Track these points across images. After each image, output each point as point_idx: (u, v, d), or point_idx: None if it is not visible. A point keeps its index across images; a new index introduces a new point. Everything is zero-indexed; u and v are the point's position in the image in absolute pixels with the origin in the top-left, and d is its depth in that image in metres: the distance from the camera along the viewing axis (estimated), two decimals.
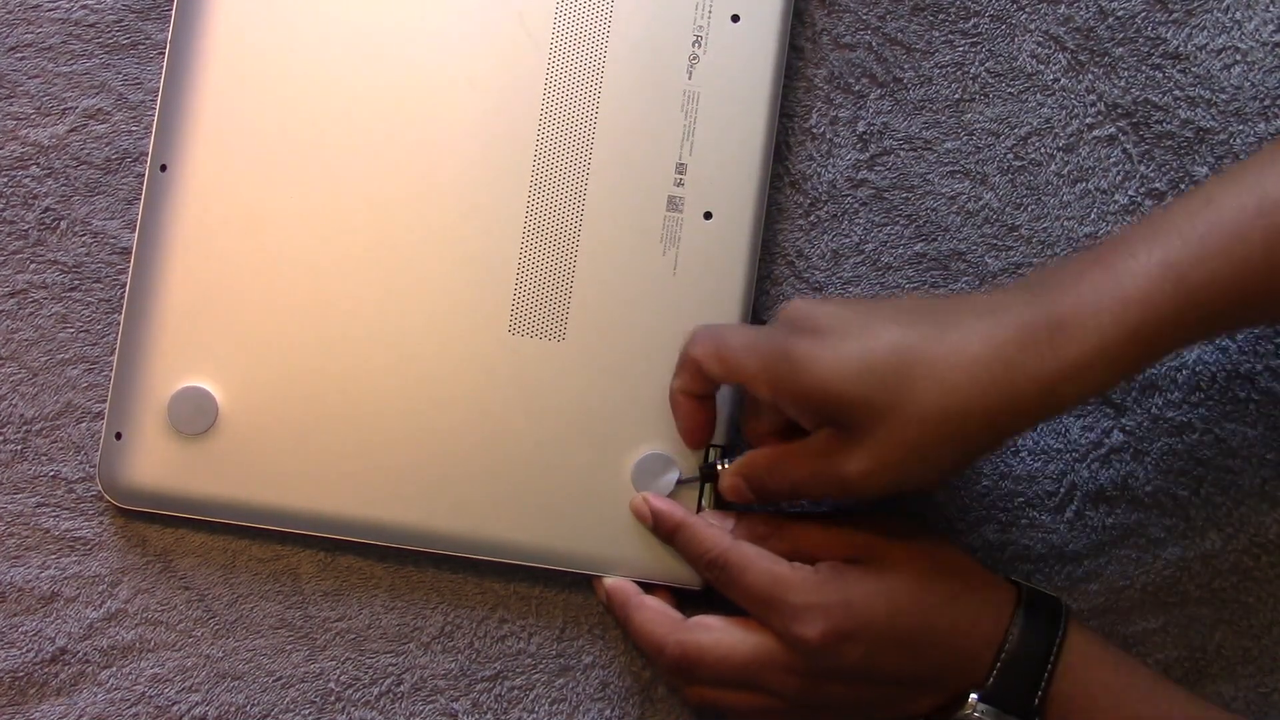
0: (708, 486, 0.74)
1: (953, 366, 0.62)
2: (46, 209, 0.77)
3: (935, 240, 0.79)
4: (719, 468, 0.73)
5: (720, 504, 0.74)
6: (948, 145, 0.79)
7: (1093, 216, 0.79)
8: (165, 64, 0.76)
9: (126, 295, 0.75)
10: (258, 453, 0.74)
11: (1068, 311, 0.61)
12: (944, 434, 0.63)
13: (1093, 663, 0.68)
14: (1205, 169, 0.78)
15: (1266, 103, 0.78)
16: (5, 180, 0.77)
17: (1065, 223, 0.79)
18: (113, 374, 0.75)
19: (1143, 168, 0.79)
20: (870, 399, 0.63)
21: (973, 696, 0.68)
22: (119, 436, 0.75)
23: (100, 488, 0.75)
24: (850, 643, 0.67)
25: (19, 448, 0.77)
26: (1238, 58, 0.78)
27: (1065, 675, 0.68)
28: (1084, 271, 0.62)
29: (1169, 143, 0.79)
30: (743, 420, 0.74)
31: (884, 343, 0.63)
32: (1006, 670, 0.67)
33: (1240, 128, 0.78)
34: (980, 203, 0.79)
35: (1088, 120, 0.79)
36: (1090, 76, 0.79)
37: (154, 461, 0.74)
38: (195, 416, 0.74)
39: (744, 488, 0.71)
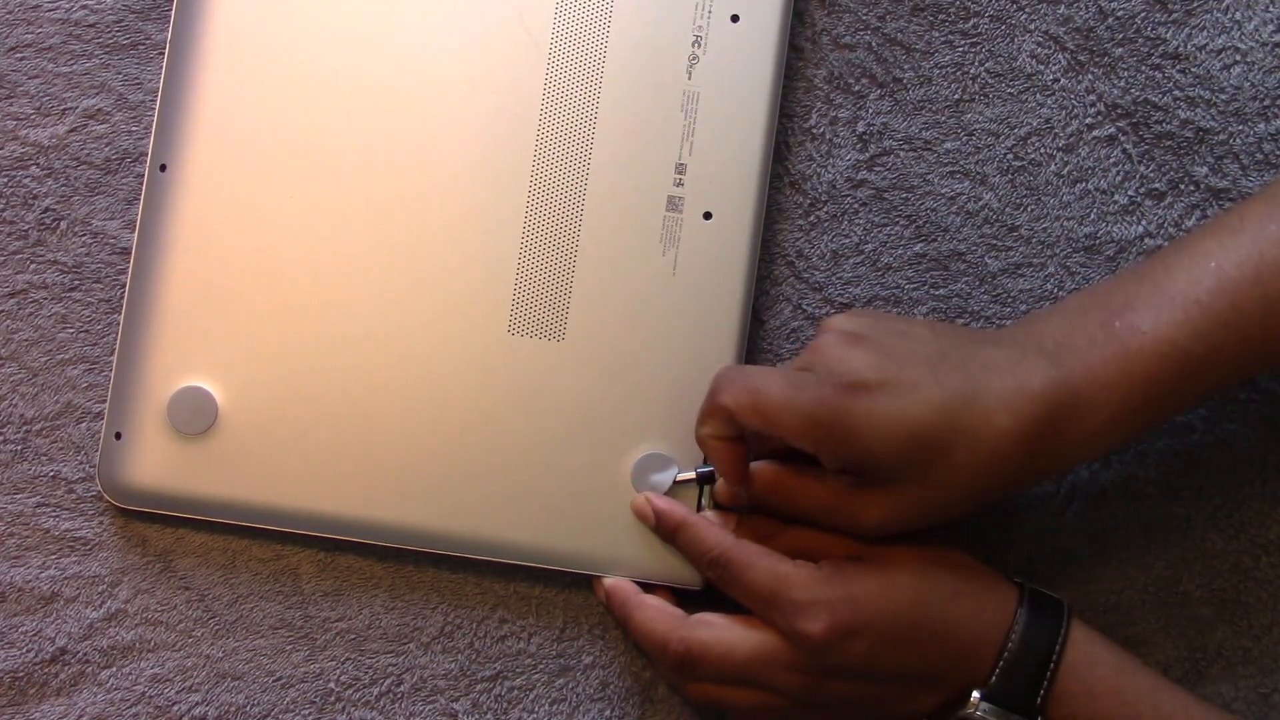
0: (707, 487, 0.74)
1: (986, 441, 0.64)
2: (46, 209, 0.77)
3: (935, 240, 0.79)
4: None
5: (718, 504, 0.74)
6: (948, 145, 0.79)
7: (1093, 216, 0.79)
8: (165, 64, 0.76)
9: (126, 295, 0.75)
10: (257, 453, 0.74)
11: (1081, 387, 0.64)
12: (967, 498, 0.66)
13: (1095, 662, 0.68)
14: (1205, 169, 0.78)
15: (1266, 103, 0.78)
16: (5, 180, 0.77)
17: (1065, 223, 0.79)
18: (112, 374, 0.75)
19: (1143, 168, 0.79)
20: (910, 464, 0.65)
21: (975, 695, 0.68)
22: (119, 436, 0.75)
23: (100, 488, 0.75)
24: (853, 639, 0.67)
25: (19, 448, 0.77)
26: (1238, 58, 0.78)
27: (1068, 674, 0.68)
28: (1094, 340, 0.65)
29: (1169, 143, 0.79)
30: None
31: (930, 408, 0.64)
32: (1009, 668, 0.67)
33: (1240, 128, 0.78)
34: (980, 203, 0.79)
35: (1088, 120, 0.79)
36: (1090, 77, 0.79)
37: (154, 461, 0.74)
38: (195, 416, 0.74)
39: (742, 497, 0.72)
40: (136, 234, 0.75)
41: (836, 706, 0.70)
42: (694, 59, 0.76)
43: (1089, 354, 0.65)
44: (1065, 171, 0.79)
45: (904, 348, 0.67)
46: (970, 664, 0.68)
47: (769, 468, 0.71)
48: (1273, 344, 0.64)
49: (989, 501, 0.67)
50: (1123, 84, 0.79)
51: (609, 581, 0.74)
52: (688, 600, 0.74)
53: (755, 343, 0.78)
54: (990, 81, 0.79)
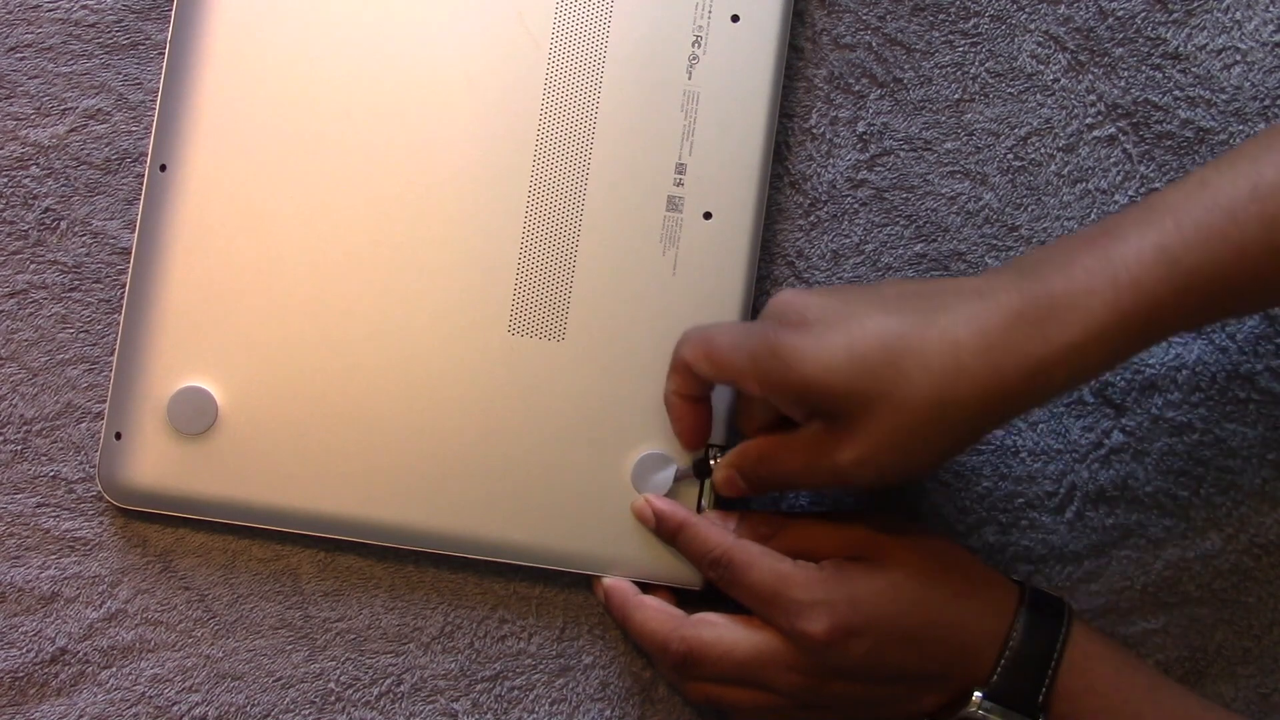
0: (707, 486, 0.74)
1: (941, 353, 0.61)
2: (46, 209, 0.77)
3: (935, 240, 0.79)
4: (712, 463, 0.73)
5: (721, 504, 0.74)
6: (948, 145, 0.79)
7: (1093, 217, 0.79)
8: (165, 63, 0.76)
9: (126, 295, 0.75)
10: (257, 453, 0.74)
11: (1058, 295, 0.61)
12: (935, 421, 0.62)
13: (1096, 660, 0.68)
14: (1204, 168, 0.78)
15: (1266, 103, 0.78)
16: (5, 180, 0.77)
17: (1065, 223, 0.79)
18: (112, 374, 0.75)
19: (1143, 168, 0.79)
20: (859, 389, 0.62)
21: (977, 694, 0.68)
22: (119, 436, 0.75)
23: (100, 488, 0.75)
24: (855, 639, 0.67)
25: (19, 448, 0.77)
26: (1238, 58, 0.78)
27: (1069, 672, 0.68)
28: (1075, 254, 0.62)
29: (1169, 143, 0.79)
30: (736, 416, 0.74)
31: (871, 332, 0.62)
32: (1011, 667, 0.67)
33: (1240, 128, 0.78)
34: (980, 203, 0.79)
35: (1088, 120, 0.79)
36: (1090, 77, 0.79)
37: (154, 461, 0.74)
38: (195, 416, 0.74)
39: (737, 479, 0.72)
40: (136, 234, 0.75)
41: (838, 707, 0.70)
42: (694, 59, 0.76)
43: (1067, 266, 0.61)
44: (1065, 171, 0.79)
45: (857, 293, 0.65)
46: (972, 663, 0.68)
47: (752, 441, 0.71)
48: (1272, 264, 0.60)
49: (969, 431, 0.63)
50: (1123, 84, 0.79)
51: (608, 581, 0.74)
52: (687, 600, 0.74)
53: None
54: (990, 81, 0.79)
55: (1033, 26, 0.79)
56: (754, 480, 0.71)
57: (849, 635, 0.67)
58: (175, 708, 0.76)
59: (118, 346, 0.75)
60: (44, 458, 0.76)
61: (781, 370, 0.64)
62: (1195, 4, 0.79)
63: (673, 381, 0.72)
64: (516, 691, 0.77)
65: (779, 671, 0.69)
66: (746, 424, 0.72)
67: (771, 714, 0.71)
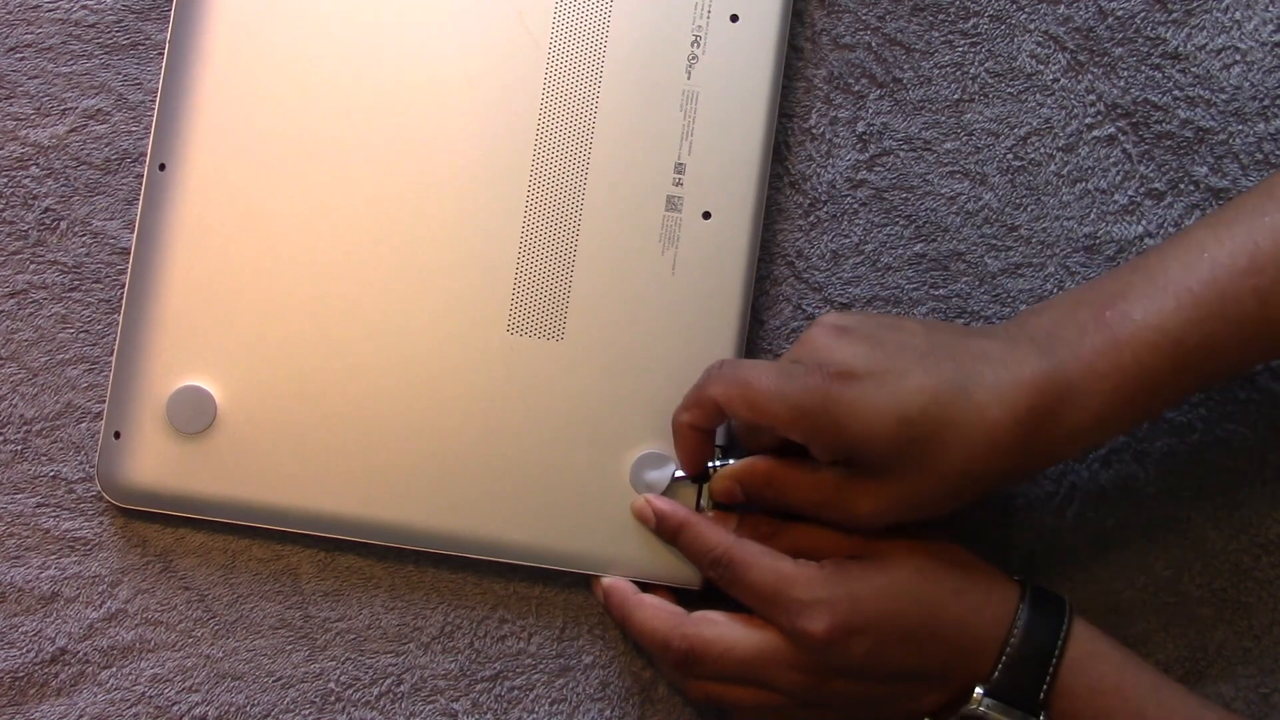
0: (705, 487, 0.74)
1: (980, 429, 0.64)
2: (46, 209, 0.77)
3: (935, 240, 0.79)
4: (711, 470, 0.73)
5: (721, 504, 0.74)
6: (947, 145, 0.79)
7: (1092, 216, 0.79)
8: (164, 62, 0.76)
9: (125, 294, 0.75)
10: (256, 452, 0.74)
11: (1075, 379, 0.64)
12: (960, 488, 0.66)
13: (1097, 657, 0.68)
14: (1205, 169, 0.78)
15: (1266, 103, 0.78)
16: (5, 180, 0.77)
17: (1065, 223, 0.79)
18: (111, 373, 0.75)
19: (1142, 168, 0.79)
20: (901, 452, 0.65)
21: (978, 691, 0.68)
22: (117, 435, 0.75)
23: (99, 487, 0.75)
24: (856, 638, 0.67)
25: (19, 448, 0.77)
26: (1237, 58, 0.78)
27: (1070, 670, 0.68)
28: (1084, 330, 0.65)
29: (1169, 143, 0.79)
30: (738, 431, 0.74)
31: (916, 397, 0.64)
32: (1012, 665, 0.67)
33: (1240, 128, 0.78)
34: (980, 203, 0.79)
35: (1087, 120, 0.79)
36: (1090, 76, 0.79)
37: (152, 460, 0.74)
38: (194, 416, 0.74)
39: (737, 492, 0.72)
40: (135, 233, 0.75)
41: (839, 705, 0.70)
42: (693, 59, 0.76)
43: (1080, 344, 0.65)
44: (1065, 171, 0.79)
45: (893, 339, 0.67)
46: (973, 660, 0.68)
47: (763, 461, 0.71)
48: (1266, 335, 0.64)
49: (981, 494, 0.67)
50: (1123, 84, 0.79)
51: (607, 581, 0.74)
52: (687, 600, 0.74)
53: (755, 343, 0.78)
54: (990, 81, 0.79)
55: (1032, 26, 0.79)
56: (755, 497, 0.72)
57: (850, 634, 0.67)
58: (175, 708, 0.76)
59: (116, 345, 0.75)
60: (44, 458, 0.77)
61: (832, 427, 0.65)
62: (1195, 4, 0.79)
63: (691, 414, 0.72)
64: (516, 691, 0.77)
65: (780, 670, 0.69)
66: (751, 442, 0.72)
67: (772, 713, 0.71)
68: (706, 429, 0.72)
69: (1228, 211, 0.65)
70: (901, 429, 0.64)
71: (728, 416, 0.70)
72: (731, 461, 0.72)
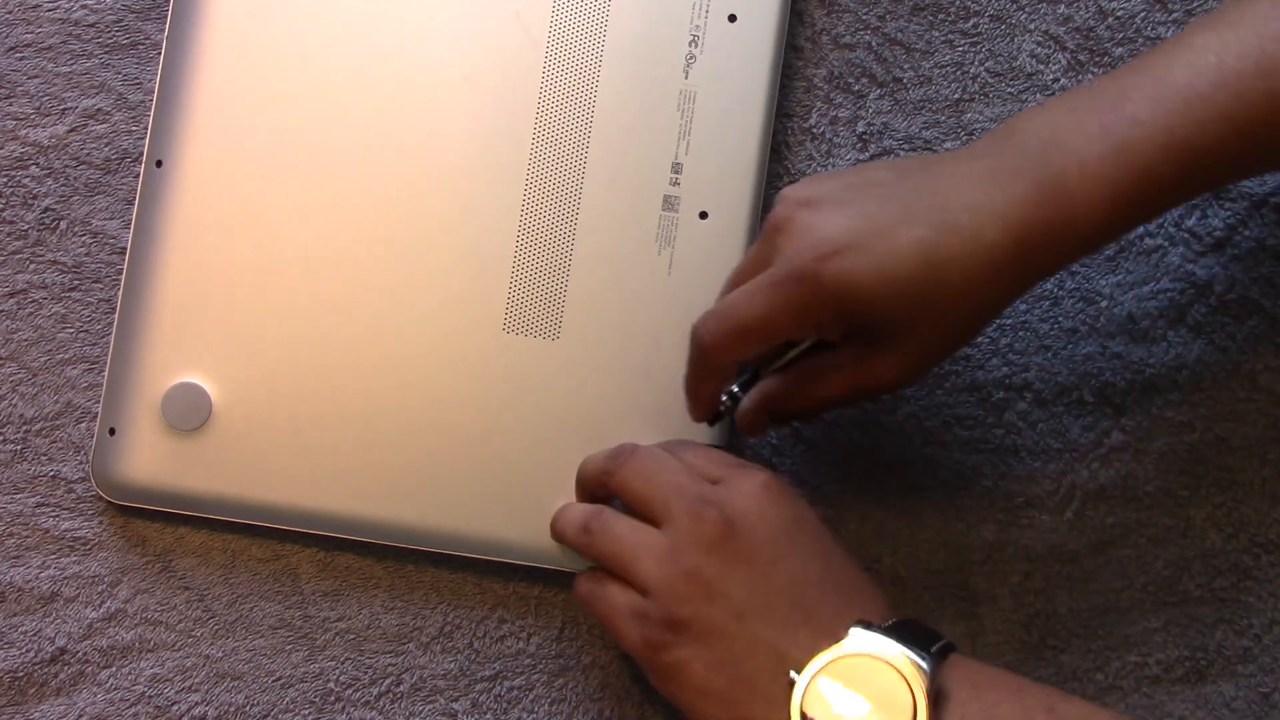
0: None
1: (979, 259, 0.62)
2: (46, 209, 0.78)
3: None
4: (725, 405, 0.71)
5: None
6: (948, 145, 0.79)
7: None
8: (162, 59, 0.76)
9: (121, 291, 0.75)
10: (251, 449, 0.74)
11: (1074, 186, 0.62)
12: (974, 317, 0.65)
13: (988, 689, 0.64)
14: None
15: None
16: (5, 180, 0.77)
17: None
18: (107, 369, 0.75)
19: None
20: (906, 309, 0.63)
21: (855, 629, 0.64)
22: (113, 432, 0.75)
23: (93, 483, 0.75)
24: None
25: (19, 448, 0.77)
26: None
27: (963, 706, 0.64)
28: (1088, 134, 0.63)
29: None
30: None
31: (908, 249, 0.62)
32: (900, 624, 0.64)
33: None
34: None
35: None
36: (1090, 76, 0.79)
37: (147, 457, 0.75)
38: (189, 412, 0.74)
39: (764, 419, 0.71)
40: (132, 229, 0.75)
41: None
42: (691, 58, 0.76)
43: (1083, 149, 0.63)
44: None
45: (866, 196, 0.65)
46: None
47: (775, 381, 0.70)
48: (1272, 141, 0.63)
49: (999, 313, 0.66)
50: None
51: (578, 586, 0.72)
52: None
53: None
54: (990, 81, 0.79)
55: (1032, 26, 0.79)
56: (782, 415, 0.70)
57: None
58: (175, 707, 0.76)
59: (112, 341, 0.75)
60: (44, 457, 0.77)
61: (836, 308, 0.63)
62: (1195, 4, 0.79)
63: (707, 380, 0.70)
64: (516, 691, 0.77)
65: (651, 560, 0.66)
66: (760, 364, 0.71)
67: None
68: (723, 383, 0.70)
69: (1231, 14, 0.64)
70: (899, 286, 0.62)
71: (738, 356, 0.68)
72: (737, 390, 0.71)
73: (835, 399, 0.68)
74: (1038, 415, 0.78)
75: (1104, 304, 0.78)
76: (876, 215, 0.63)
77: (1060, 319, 0.78)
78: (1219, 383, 0.78)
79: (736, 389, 0.70)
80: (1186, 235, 0.78)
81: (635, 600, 0.66)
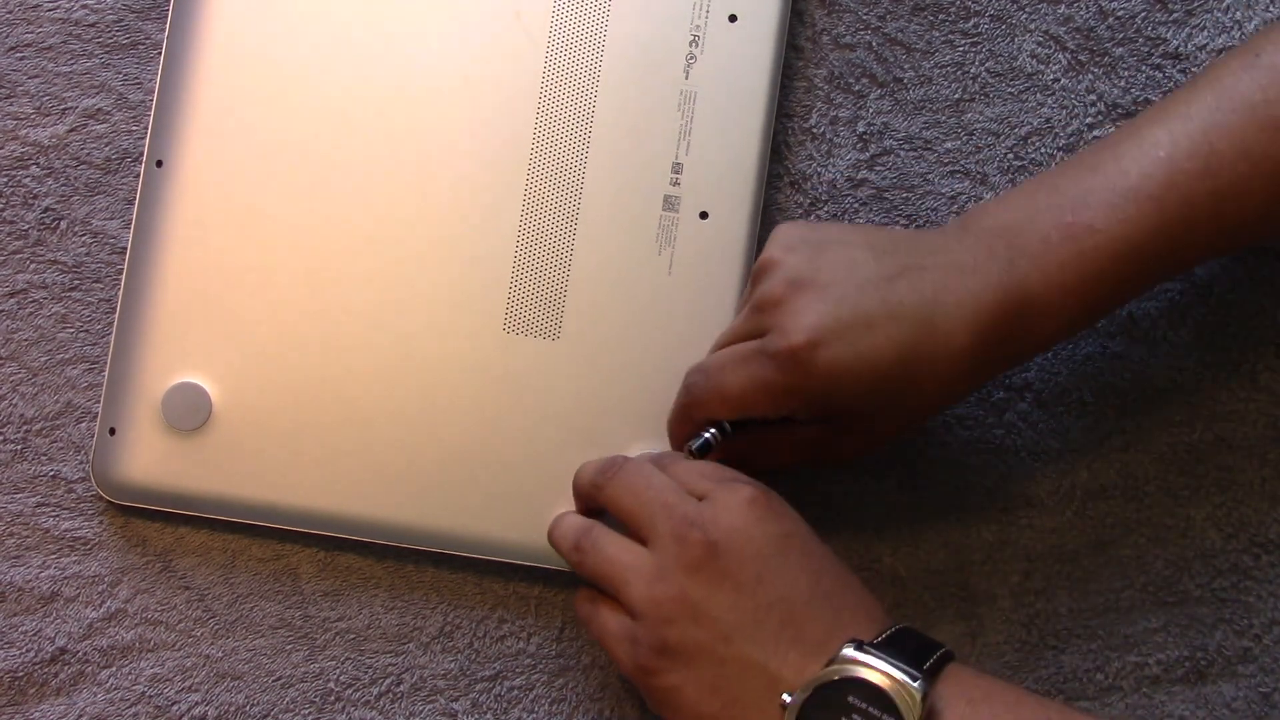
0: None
1: (949, 361, 0.66)
2: (46, 209, 0.78)
3: None
4: (695, 448, 0.71)
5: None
6: (948, 145, 0.79)
7: None
8: (162, 58, 0.76)
9: (121, 290, 0.75)
10: (251, 449, 0.74)
11: (1037, 291, 0.66)
12: (930, 412, 0.70)
13: (983, 703, 0.64)
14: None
15: None
16: (5, 180, 0.77)
17: None
18: (107, 369, 0.75)
19: None
20: (878, 399, 0.66)
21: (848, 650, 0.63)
22: (113, 432, 0.75)
23: (93, 483, 0.75)
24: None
25: (19, 448, 0.77)
26: None
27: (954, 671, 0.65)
28: (1048, 241, 0.66)
29: None
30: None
31: (888, 349, 0.65)
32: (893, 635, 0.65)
33: None
34: (980, 202, 0.79)
35: (1088, 120, 0.79)
36: (1090, 76, 0.79)
37: (147, 457, 0.75)
38: (189, 412, 0.74)
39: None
40: (132, 229, 0.75)
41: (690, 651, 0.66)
42: (691, 59, 0.76)
43: (1044, 256, 0.66)
44: None
45: (850, 280, 0.66)
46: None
47: (742, 442, 0.71)
48: (1221, 235, 0.66)
49: (952, 404, 0.72)
50: (1123, 84, 0.79)
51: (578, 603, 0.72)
52: None
53: None
54: (990, 81, 0.79)
55: (1033, 26, 0.79)
56: (745, 463, 0.71)
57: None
58: (175, 707, 0.76)
59: (112, 341, 0.75)
60: (44, 457, 0.77)
61: (815, 395, 0.66)
62: (1195, 4, 0.79)
63: (683, 428, 0.72)
64: (516, 691, 0.77)
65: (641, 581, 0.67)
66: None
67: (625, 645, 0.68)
68: (699, 432, 0.71)
69: (1180, 105, 0.66)
70: (877, 383, 0.66)
71: (721, 416, 0.70)
72: (708, 437, 0.71)
73: (792, 464, 0.72)
74: (1038, 415, 0.78)
75: None
76: (859, 305, 0.66)
77: None
78: (1219, 383, 0.78)
79: (702, 440, 0.71)
80: None
81: (626, 624, 0.67)
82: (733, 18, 0.76)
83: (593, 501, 0.71)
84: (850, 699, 0.61)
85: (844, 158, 0.79)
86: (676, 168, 0.75)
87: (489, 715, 0.76)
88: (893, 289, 0.66)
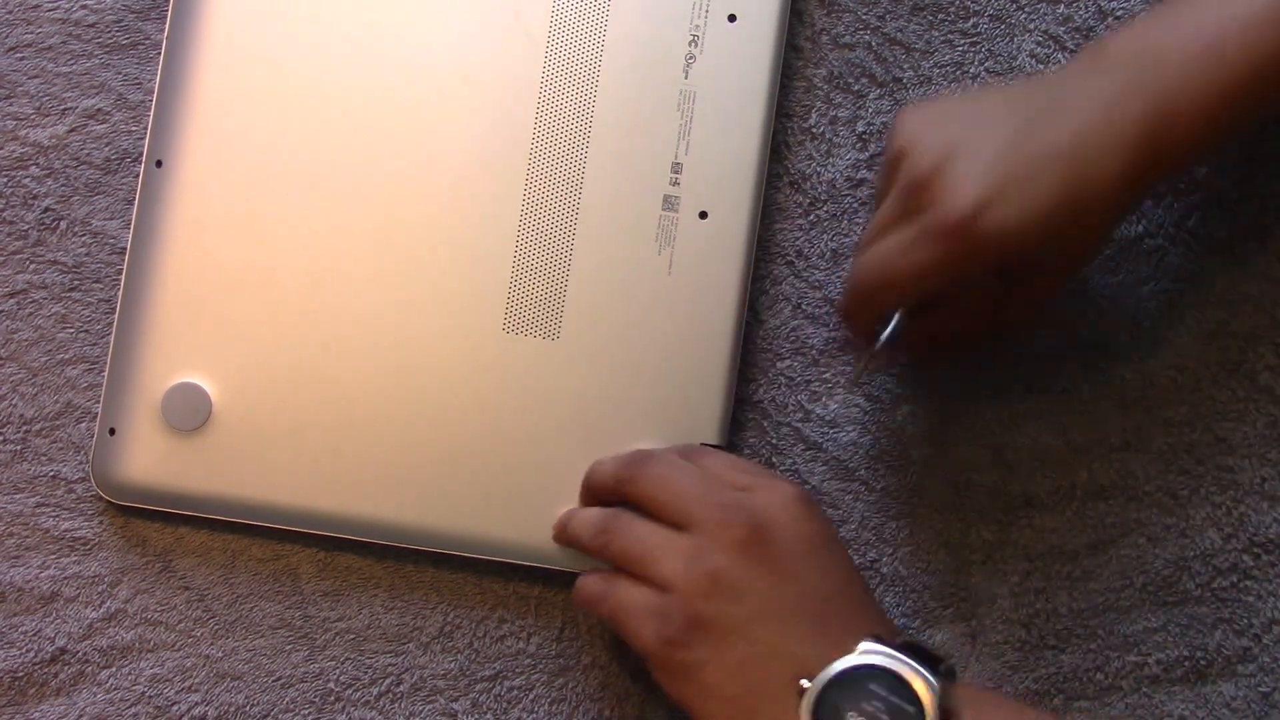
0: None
1: (1104, 200, 0.66)
2: (46, 209, 0.78)
3: None
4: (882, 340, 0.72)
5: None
6: None
7: None
8: (161, 58, 0.76)
9: (121, 290, 0.75)
10: (251, 449, 0.74)
11: (1180, 115, 0.65)
12: (1095, 251, 0.72)
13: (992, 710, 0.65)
14: (1205, 168, 0.78)
15: None
16: (5, 180, 0.78)
17: None
18: (107, 369, 0.75)
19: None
20: (1048, 251, 0.67)
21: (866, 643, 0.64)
22: (112, 432, 0.75)
23: (93, 483, 0.75)
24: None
25: (19, 448, 0.77)
26: None
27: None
28: (1188, 54, 0.65)
29: None
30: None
31: (1050, 196, 0.65)
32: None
33: None
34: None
35: None
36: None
37: (147, 457, 0.75)
38: (189, 412, 0.74)
39: (893, 358, 0.75)
40: (132, 229, 0.75)
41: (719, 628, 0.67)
42: (691, 58, 0.76)
43: (1185, 78, 0.65)
44: None
45: (993, 140, 0.67)
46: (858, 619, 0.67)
47: (917, 321, 0.72)
48: None
49: (1113, 237, 0.73)
50: None
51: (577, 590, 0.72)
52: None
53: (755, 342, 0.78)
54: (990, 81, 0.79)
55: (1032, 26, 0.79)
56: (919, 348, 0.75)
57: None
58: (175, 707, 0.76)
59: (112, 341, 0.75)
60: (44, 457, 0.77)
61: (992, 257, 0.66)
62: None
63: (861, 317, 0.72)
64: (516, 691, 0.77)
65: (669, 557, 0.67)
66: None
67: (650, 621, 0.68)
68: (877, 322, 0.72)
69: None
70: (1044, 232, 0.65)
71: (889, 304, 0.71)
72: (896, 323, 0.71)
73: (974, 335, 0.75)
74: (1037, 414, 0.78)
75: (1104, 304, 0.78)
76: (1010, 163, 0.66)
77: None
78: (1219, 382, 0.78)
79: (890, 328, 0.71)
80: (1187, 236, 0.78)
81: (652, 598, 0.67)
82: (732, 17, 0.76)
83: (614, 495, 0.71)
84: (871, 686, 0.62)
85: (843, 157, 0.79)
86: (676, 167, 0.75)
87: (489, 715, 0.76)
88: (1038, 137, 0.66)
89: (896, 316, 0.71)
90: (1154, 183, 0.67)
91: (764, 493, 0.68)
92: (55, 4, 0.78)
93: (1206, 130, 0.65)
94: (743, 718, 0.64)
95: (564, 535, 0.73)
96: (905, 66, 0.79)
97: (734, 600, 0.65)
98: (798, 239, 0.79)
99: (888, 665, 0.62)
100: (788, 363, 0.78)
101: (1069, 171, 0.65)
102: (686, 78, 0.76)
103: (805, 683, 0.63)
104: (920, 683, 0.62)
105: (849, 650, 0.63)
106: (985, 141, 0.66)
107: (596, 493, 0.73)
